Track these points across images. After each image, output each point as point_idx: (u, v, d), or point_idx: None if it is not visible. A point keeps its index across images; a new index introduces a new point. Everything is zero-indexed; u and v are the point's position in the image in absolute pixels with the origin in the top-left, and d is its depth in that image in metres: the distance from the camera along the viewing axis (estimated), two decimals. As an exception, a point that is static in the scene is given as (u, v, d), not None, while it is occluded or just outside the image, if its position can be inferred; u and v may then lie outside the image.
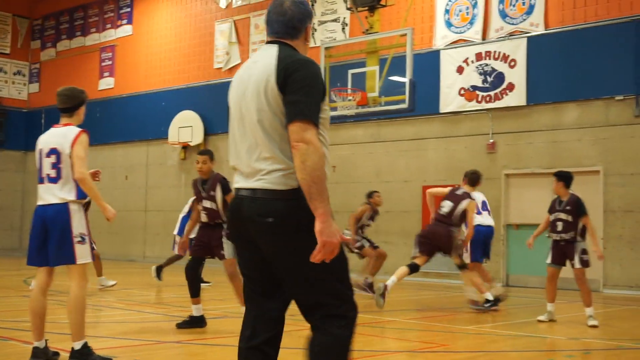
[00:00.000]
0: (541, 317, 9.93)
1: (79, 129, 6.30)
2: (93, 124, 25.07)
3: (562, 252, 9.83)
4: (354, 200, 18.27)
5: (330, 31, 19.20)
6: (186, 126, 21.85)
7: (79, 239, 6.05)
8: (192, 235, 9.32)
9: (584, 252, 9.72)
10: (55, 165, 6.13)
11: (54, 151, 6.16)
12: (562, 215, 9.83)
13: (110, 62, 25.19)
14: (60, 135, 6.24)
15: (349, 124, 18.37)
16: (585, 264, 9.69)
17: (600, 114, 15.10)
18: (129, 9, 24.82)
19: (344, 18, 18.92)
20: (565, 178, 10.01)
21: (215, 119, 21.54)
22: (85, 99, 6.57)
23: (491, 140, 16.34)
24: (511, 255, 16.11)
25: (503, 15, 16.36)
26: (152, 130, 23.16)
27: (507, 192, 16.17)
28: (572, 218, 9.77)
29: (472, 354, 7.45)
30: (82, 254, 6.06)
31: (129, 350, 7.05)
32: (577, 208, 9.76)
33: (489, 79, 16.37)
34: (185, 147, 22.08)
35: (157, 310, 10.15)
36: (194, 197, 8.99)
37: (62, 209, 6.06)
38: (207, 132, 21.71)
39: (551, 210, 10.04)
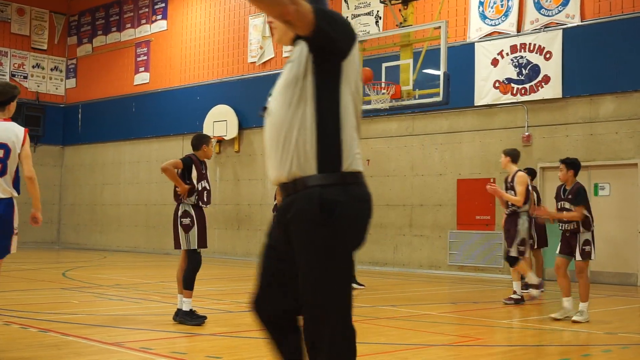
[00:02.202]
0: (555, 315, 9.34)
1: (23, 128, 6.44)
2: (129, 119, 25.37)
3: (568, 243, 9.35)
4: (389, 193, 18.28)
5: (364, 24, 19.16)
6: (221, 120, 21.98)
7: (16, 232, 6.36)
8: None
9: (586, 243, 9.21)
10: (2, 160, 6.24)
11: (2, 146, 6.25)
12: (566, 205, 9.40)
13: (145, 57, 25.40)
14: (7, 131, 6.32)
15: (383, 118, 18.34)
16: (586, 255, 9.20)
17: (638, 106, 14.89)
18: (163, 4, 25.00)
19: (378, 11, 18.87)
20: (574, 166, 9.52)
21: (250, 113, 21.63)
22: (16, 94, 6.56)
23: (526, 133, 16.21)
24: (547, 249, 15.96)
25: (538, 6, 16.20)
26: (187, 124, 23.31)
27: (543, 185, 16.02)
28: (574, 207, 9.38)
29: (508, 348, 7.42)
30: (15, 246, 6.42)
31: (164, 342, 7.13)
32: (576, 197, 9.31)
33: (524, 72, 16.23)
34: (220, 141, 22.20)
35: (193, 303, 10.24)
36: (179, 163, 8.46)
37: (10, 203, 6.28)
38: (241, 126, 21.80)
39: (557, 198, 9.66)
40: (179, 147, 23.69)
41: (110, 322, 8.39)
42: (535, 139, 16.13)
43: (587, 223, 9.27)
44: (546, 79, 15.91)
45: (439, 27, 14.43)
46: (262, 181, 21.11)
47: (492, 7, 16.89)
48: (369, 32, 18.62)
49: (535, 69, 16.09)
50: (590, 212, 9.33)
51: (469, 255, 15.07)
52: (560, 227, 9.52)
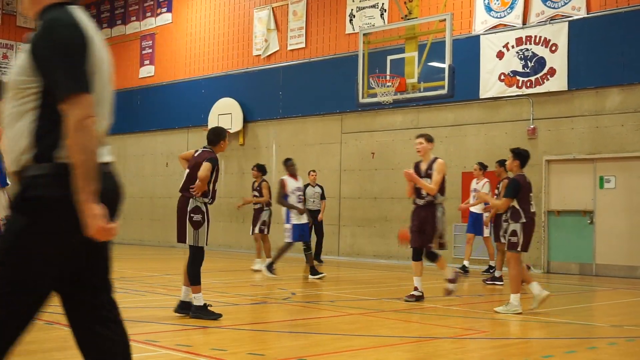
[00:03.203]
0: (533, 306, 9.28)
1: None
2: (134, 112, 25.38)
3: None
4: (394, 186, 18.25)
5: (368, 17, 19.13)
6: (225, 113, 21.98)
7: (4, 221, 6.39)
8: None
9: (513, 233, 9.19)
10: None
11: None
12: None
13: (150, 51, 25.40)
14: None
15: (387, 110, 18.31)
16: (511, 246, 9.19)
17: (644, 98, 14.85)
18: (168, -3, 25.02)
19: (383, 4, 18.83)
20: (521, 157, 9.44)
21: (254, 106, 21.63)
22: None
23: (532, 126, 16.17)
24: (552, 242, 15.97)
25: (544, -1, 16.15)
26: (192, 117, 23.33)
27: (548, 178, 16.01)
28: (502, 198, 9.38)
29: (513, 341, 7.42)
30: None
31: (170, 335, 7.14)
32: (506, 188, 9.38)
33: (530, 64, 16.19)
34: (225, 134, 22.18)
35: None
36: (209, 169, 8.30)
37: None
38: (246, 119, 21.80)
39: None
40: (184, 141, 23.72)
41: (116, 315, 8.39)
42: (541, 132, 16.10)
43: (515, 215, 9.20)
44: (552, 72, 15.87)
45: (444, 20, 14.40)
46: (267, 174, 21.11)
47: (497, 0, 16.83)
48: (374, 25, 18.58)
49: (540, 62, 16.05)
50: (526, 205, 9.23)
51: (474, 248, 15.04)
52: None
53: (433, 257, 10.10)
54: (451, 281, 10.07)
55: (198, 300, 8.06)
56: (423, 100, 16.08)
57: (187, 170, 8.40)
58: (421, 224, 10.01)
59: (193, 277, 8.14)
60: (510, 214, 9.25)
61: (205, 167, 8.11)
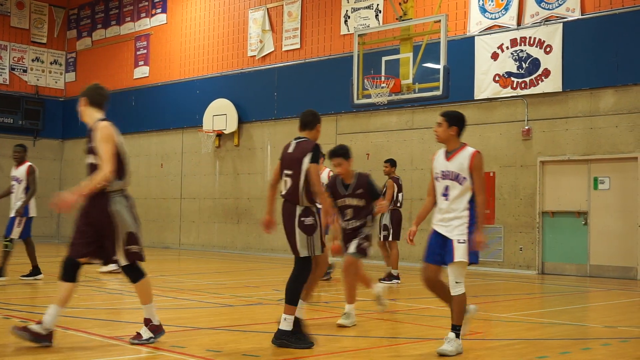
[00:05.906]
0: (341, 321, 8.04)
1: None
2: (128, 113, 25.33)
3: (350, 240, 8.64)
4: (388, 187, 18.24)
5: (363, 18, 19.13)
6: (220, 114, 21.96)
7: None
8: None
9: (367, 238, 8.46)
10: None
11: None
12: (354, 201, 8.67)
13: (145, 51, 25.37)
14: None
15: (382, 111, 18.32)
16: (362, 251, 8.40)
17: (638, 99, 14.88)
18: (163, -2, 24.99)
19: (378, 5, 18.84)
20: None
21: (249, 107, 21.62)
22: None
23: (526, 127, 16.20)
24: (546, 243, 15.98)
25: (538, 0, 16.17)
26: (186, 118, 23.31)
27: (543, 179, 16.02)
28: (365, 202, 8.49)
29: (508, 342, 7.42)
30: None
31: (165, 336, 7.12)
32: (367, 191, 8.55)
33: (524, 65, 16.21)
34: (220, 135, 22.18)
35: (192, 296, 10.25)
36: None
37: None
38: (241, 120, 21.79)
39: (339, 193, 8.89)
40: (179, 141, 23.69)
41: (110, 316, 8.39)
42: (535, 133, 16.12)
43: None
44: (546, 73, 15.89)
45: (439, 21, 14.43)
46: (262, 175, 21.09)
47: (492, 1, 16.85)
48: (368, 26, 18.60)
49: (535, 63, 16.07)
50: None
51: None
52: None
53: (135, 276, 6.77)
54: (147, 322, 6.69)
55: (288, 324, 6.58)
56: (418, 101, 16.09)
57: (285, 173, 6.86)
58: (89, 226, 6.52)
59: (294, 295, 6.67)
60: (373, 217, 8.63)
61: (314, 172, 6.69)
